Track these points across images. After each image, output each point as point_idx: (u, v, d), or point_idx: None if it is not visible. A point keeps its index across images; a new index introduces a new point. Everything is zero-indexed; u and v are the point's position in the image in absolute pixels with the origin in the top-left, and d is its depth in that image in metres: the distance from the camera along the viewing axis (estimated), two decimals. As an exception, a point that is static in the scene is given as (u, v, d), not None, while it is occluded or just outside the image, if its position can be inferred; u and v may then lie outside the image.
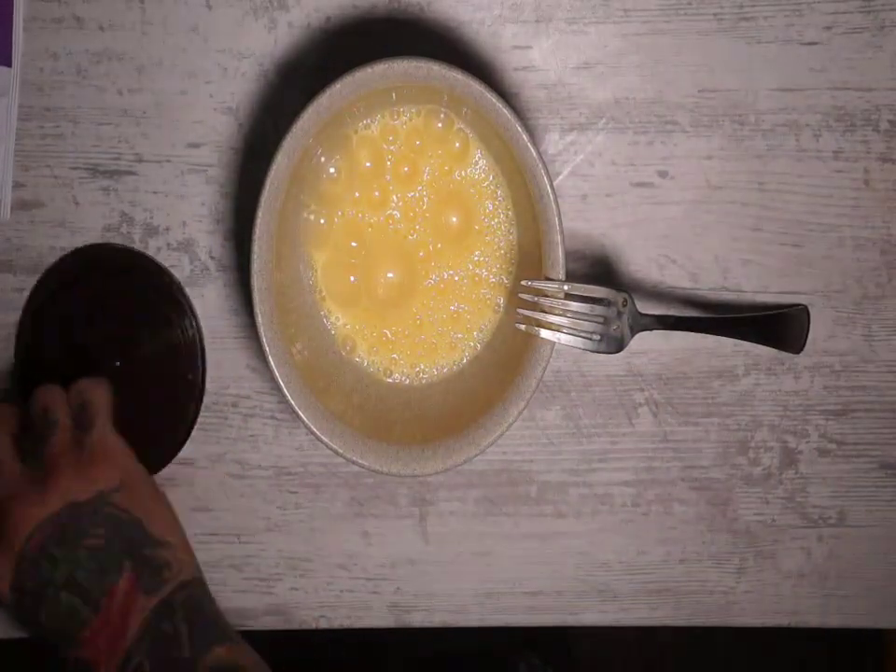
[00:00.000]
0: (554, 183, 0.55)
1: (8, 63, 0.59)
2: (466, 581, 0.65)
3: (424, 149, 0.58)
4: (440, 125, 0.57)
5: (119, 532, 0.54)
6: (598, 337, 0.57)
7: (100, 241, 0.62)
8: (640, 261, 0.62)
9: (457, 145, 0.58)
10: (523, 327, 0.56)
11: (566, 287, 0.55)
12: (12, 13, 0.57)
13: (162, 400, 0.62)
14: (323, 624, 0.65)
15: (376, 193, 0.58)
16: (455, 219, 0.58)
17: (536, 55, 0.61)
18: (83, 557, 0.52)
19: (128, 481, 0.55)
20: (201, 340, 0.62)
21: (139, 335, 0.62)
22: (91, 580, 0.52)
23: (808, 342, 0.60)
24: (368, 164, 0.58)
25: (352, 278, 0.59)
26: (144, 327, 0.62)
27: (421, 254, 0.59)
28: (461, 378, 0.60)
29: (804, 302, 0.62)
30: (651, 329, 0.58)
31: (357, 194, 0.58)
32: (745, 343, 0.61)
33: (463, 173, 0.58)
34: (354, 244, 0.59)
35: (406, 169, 0.58)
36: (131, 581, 0.53)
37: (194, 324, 0.62)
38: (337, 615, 0.65)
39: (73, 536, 0.53)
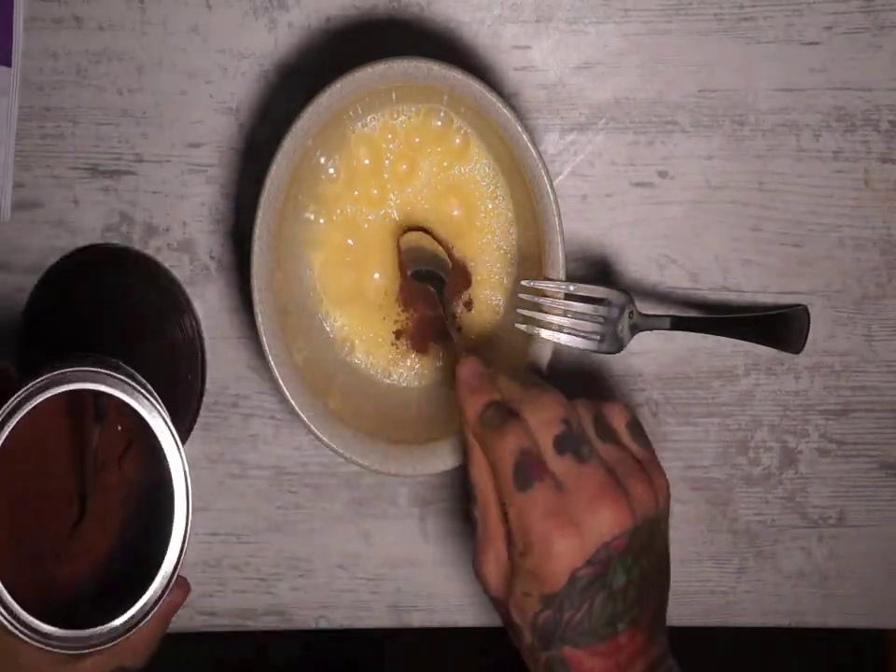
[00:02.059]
0: (554, 183, 0.55)
1: (8, 63, 0.59)
2: (466, 580, 0.64)
3: (423, 147, 0.58)
4: (439, 123, 0.57)
5: (658, 564, 0.51)
6: (598, 337, 0.57)
7: (100, 241, 0.62)
8: (640, 261, 0.62)
9: (457, 142, 0.58)
10: (523, 327, 0.56)
11: (566, 287, 0.55)
12: (12, 13, 0.57)
13: (162, 400, 0.62)
14: (323, 624, 0.65)
15: (375, 191, 0.58)
16: (455, 212, 0.58)
17: (536, 55, 0.61)
18: (638, 577, 0.49)
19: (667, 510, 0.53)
20: (201, 340, 0.62)
21: (139, 335, 0.62)
22: (633, 602, 0.49)
23: (808, 342, 0.60)
24: (366, 162, 0.58)
25: (350, 277, 0.59)
26: (144, 326, 0.62)
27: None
28: (461, 378, 0.60)
29: (804, 302, 0.62)
30: (650, 329, 0.58)
31: (355, 192, 0.58)
32: (745, 342, 0.61)
33: (463, 169, 0.58)
34: (351, 242, 0.59)
35: (405, 167, 0.58)
36: (650, 619, 0.50)
37: (194, 324, 0.62)
38: (337, 615, 0.65)
39: (642, 548, 0.50)
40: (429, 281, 0.57)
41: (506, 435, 0.49)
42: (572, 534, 0.47)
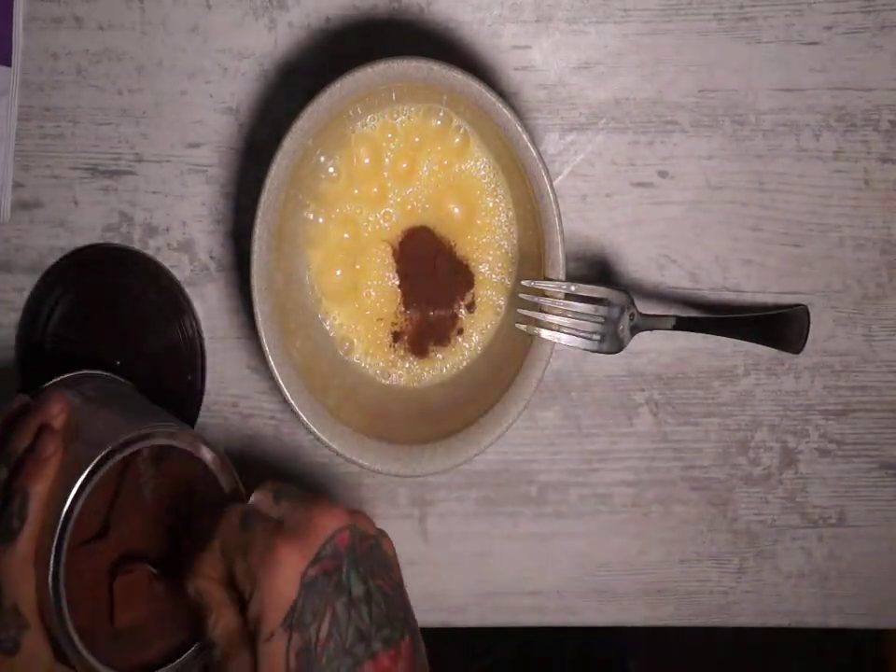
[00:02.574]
0: (554, 183, 0.55)
1: (8, 63, 0.59)
2: (466, 580, 0.65)
3: (422, 146, 0.58)
4: (438, 122, 0.57)
5: (402, 602, 0.49)
6: (598, 337, 0.57)
7: (100, 241, 0.62)
8: (640, 261, 0.62)
9: (457, 140, 0.58)
10: (523, 327, 0.56)
11: (566, 287, 0.55)
12: (12, 13, 0.57)
13: (162, 400, 0.62)
14: (323, 624, 0.65)
15: (375, 190, 0.58)
16: (456, 210, 0.58)
17: (536, 55, 0.61)
18: (377, 593, 0.48)
19: (398, 567, 0.52)
20: (201, 340, 0.62)
21: (139, 335, 0.62)
22: (380, 621, 0.47)
23: (808, 342, 0.60)
24: (366, 161, 0.58)
25: (348, 276, 0.59)
26: (144, 327, 0.62)
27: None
28: (461, 378, 0.60)
29: (804, 302, 0.62)
30: (651, 329, 0.58)
31: (355, 191, 0.58)
32: (745, 342, 0.61)
33: (462, 167, 0.58)
34: (351, 241, 0.59)
35: (404, 165, 0.58)
36: (410, 654, 0.48)
37: (194, 324, 0.62)
38: (337, 615, 0.64)
39: (374, 564, 0.48)
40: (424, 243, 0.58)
41: (226, 514, 0.49)
42: (292, 538, 0.47)
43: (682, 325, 0.58)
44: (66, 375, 0.56)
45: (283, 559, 0.46)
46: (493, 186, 0.58)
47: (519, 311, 0.56)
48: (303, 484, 0.63)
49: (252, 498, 0.51)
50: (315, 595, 0.46)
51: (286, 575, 0.46)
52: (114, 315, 0.62)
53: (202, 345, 0.62)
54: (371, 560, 0.48)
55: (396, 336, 0.59)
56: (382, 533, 0.51)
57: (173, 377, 0.62)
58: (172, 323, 0.62)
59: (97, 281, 0.62)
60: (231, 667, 0.47)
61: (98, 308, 0.62)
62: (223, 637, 0.48)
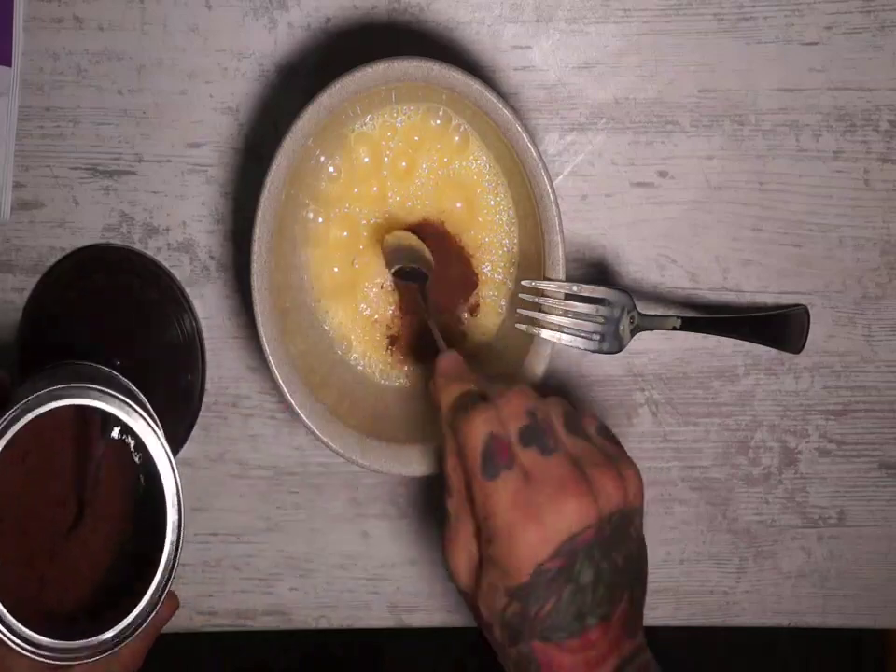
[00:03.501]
0: (554, 183, 0.55)
1: (9, 63, 0.59)
2: (466, 581, 0.64)
3: (422, 145, 0.58)
4: (437, 122, 0.57)
5: (632, 561, 0.50)
6: (598, 337, 0.57)
7: (100, 241, 0.62)
8: (640, 261, 0.62)
9: (456, 139, 0.58)
10: (523, 327, 0.56)
11: (566, 288, 0.55)
12: (12, 13, 0.57)
13: (162, 400, 0.62)
14: (323, 624, 0.65)
15: (374, 189, 0.58)
16: (458, 206, 0.58)
17: (536, 55, 0.61)
18: (607, 573, 0.48)
19: (641, 509, 0.52)
20: (201, 340, 0.62)
21: (139, 335, 0.62)
22: (603, 599, 0.48)
23: (808, 342, 0.60)
24: (366, 160, 0.58)
25: (347, 275, 0.59)
26: (144, 326, 0.62)
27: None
28: (461, 378, 0.60)
29: (804, 302, 0.62)
30: (651, 329, 0.58)
31: (355, 190, 0.58)
32: (745, 342, 0.61)
33: (462, 165, 0.58)
34: (349, 240, 0.59)
35: (404, 164, 0.58)
36: (624, 615, 0.49)
37: (194, 324, 0.62)
38: (337, 615, 0.64)
39: (612, 543, 0.49)
40: (413, 279, 0.57)
41: (474, 419, 0.49)
42: (536, 526, 0.47)
43: (683, 325, 0.58)
44: (48, 365, 0.56)
45: (526, 539, 0.47)
46: (493, 185, 0.58)
47: (519, 311, 0.56)
48: (304, 484, 0.63)
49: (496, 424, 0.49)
50: (544, 583, 0.47)
51: (523, 556, 0.47)
52: (114, 315, 0.62)
53: (202, 345, 0.62)
54: (608, 543, 0.48)
55: (392, 340, 0.59)
56: (629, 474, 0.50)
57: (173, 377, 0.62)
58: (172, 323, 0.62)
59: (97, 281, 0.62)
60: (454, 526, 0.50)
61: (98, 308, 0.62)
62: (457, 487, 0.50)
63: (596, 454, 0.49)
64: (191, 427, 0.62)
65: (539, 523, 0.47)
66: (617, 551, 0.49)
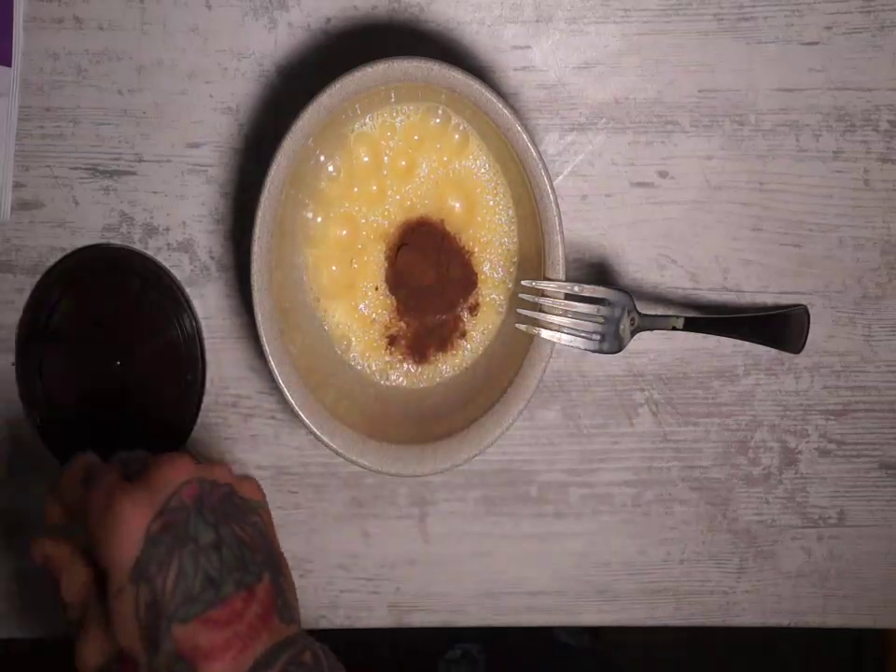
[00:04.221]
0: (554, 183, 0.55)
1: (8, 63, 0.59)
2: (466, 581, 0.65)
3: (422, 144, 0.58)
4: (437, 121, 0.57)
5: (263, 544, 0.49)
6: (598, 337, 0.57)
7: (100, 241, 0.62)
8: (640, 261, 0.62)
9: (456, 138, 0.58)
10: (523, 327, 0.56)
11: (566, 288, 0.55)
12: (12, 13, 0.57)
13: (162, 400, 0.62)
14: (323, 624, 0.65)
15: (374, 188, 0.58)
16: (457, 205, 0.58)
17: (536, 55, 0.61)
18: (230, 538, 0.47)
19: (267, 510, 0.52)
20: (200, 340, 0.62)
21: (139, 335, 0.62)
22: (232, 565, 0.47)
23: (808, 342, 0.60)
24: (366, 160, 0.58)
25: (346, 275, 0.59)
26: (144, 327, 0.62)
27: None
28: (461, 378, 0.60)
29: (804, 302, 0.62)
30: (651, 329, 0.58)
31: (355, 189, 0.58)
32: (745, 342, 0.61)
33: (462, 164, 0.58)
34: (348, 239, 0.59)
35: (404, 163, 0.58)
36: (269, 594, 0.47)
37: (194, 324, 0.62)
38: (337, 615, 0.65)
39: (227, 512, 0.48)
40: (423, 243, 0.58)
41: (67, 470, 0.51)
42: (137, 489, 0.47)
43: (683, 325, 0.58)
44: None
45: (125, 514, 0.46)
46: (493, 184, 0.58)
47: (519, 311, 0.56)
48: (304, 484, 0.63)
49: (96, 461, 0.52)
50: (160, 546, 0.46)
51: (128, 530, 0.46)
52: (114, 315, 0.62)
53: (202, 345, 0.62)
54: (223, 507, 0.48)
55: (392, 340, 0.59)
56: (243, 479, 0.51)
57: (173, 377, 0.62)
58: (172, 323, 0.62)
59: (97, 281, 0.62)
60: (88, 625, 0.47)
61: (98, 308, 0.62)
62: (76, 597, 0.48)
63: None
64: (191, 426, 0.62)
65: (139, 487, 0.47)
66: (237, 523, 0.48)
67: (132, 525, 0.46)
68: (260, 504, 0.51)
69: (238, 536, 0.48)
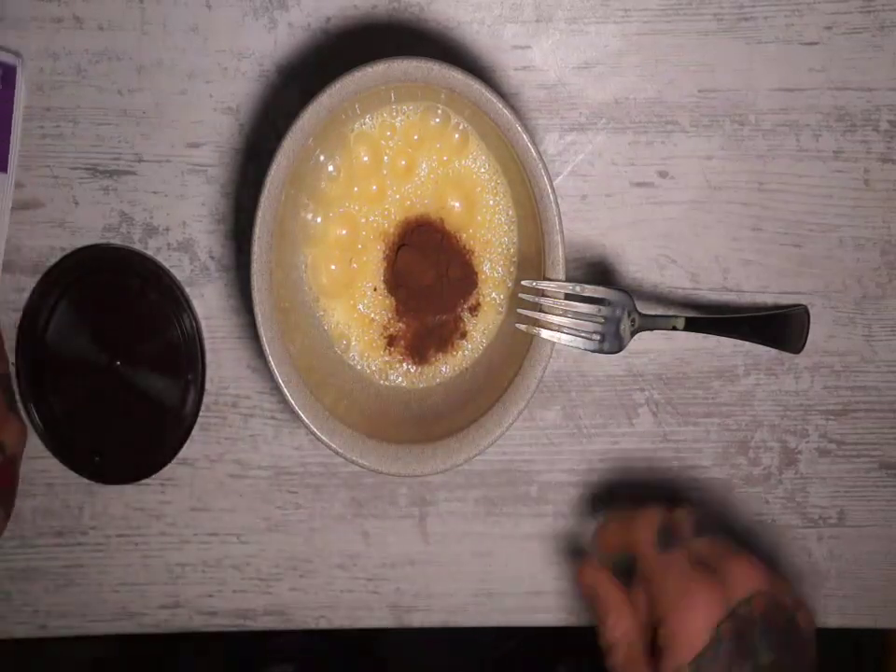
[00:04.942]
0: (554, 183, 0.55)
1: (4, 169, 0.58)
2: (466, 581, 0.65)
3: (422, 143, 0.58)
4: (437, 120, 0.57)
5: (789, 652, 0.50)
6: (598, 337, 0.57)
7: (100, 241, 0.62)
8: (640, 261, 0.62)
9: (456, 137, 0.58)
10: (523, 327, 0.56)
11: (566, 288, 0.55)
12: (11, 118, 0.54)
13: (162, 400, 0.62)
14: (323, 624, 0.65)
15: (374, 188, 0.58)
16: (457, 205, 0.58)
17: (536, 55, 0.61)
18: (784, 667, 0.48)
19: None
20: (200, 339, 0.62)
21: (139, 335, 0.62)
22: None
23: (808, 342, 0.60)
24: (365, 159, 0.58)
25: (345, 274, 0.59)
26: (144, 327, 0.62)
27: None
28: (461, 378, 0.60)
29: (804, 302, 0.62)
30: (651, 329, 0.58)
31: (355, 189, 0.58)
32: (745, 342, 0.61)
33: (462, 164, 0.58)
34: (348, 238, 0.59)
35: (403, 163, 0.58)
36: None
37: (194, 324, 0.62)
38: (337, 615, 0.65)
39: (788, 641, 0.49)
40: (423, 242, 0.58)
41: (641, 516, 0.52)
42: (713, 584, 0.47)
43: (683, 325, 0.58)
44: None
45: (700, 602, 0.47)
46: (493, 184, 0.58)
47: (519, 311, 0.56)
48: (304, 484, 0.63)
49: (673, 514, 0.52)
50: (725, 650, 0.47)
51: (702, 618, 0.47)
52: (114, 315, 0.62)
53: (201, 345, 0.62)
54: (785, 633, 0.48)
55: (391, 340, 0.59)
56: (799, 605, 0.51)
57: (173, 377, 0.62)
58: (172, 323, 0.62)
59: (97, 281, 0.62)
60: None
61: (98, 308, 0.62)
62: (624, 639, 0.50)
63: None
64: (191, 426, 0.62)
65: (715, 582, 0.48)
66: (797, 650, 0.49)
67: (706, 615, 0.47)
68: (812, 637, 0.51)
69: (793, 664, 0.48)
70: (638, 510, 0.53)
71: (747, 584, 0.48)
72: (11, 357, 0.62)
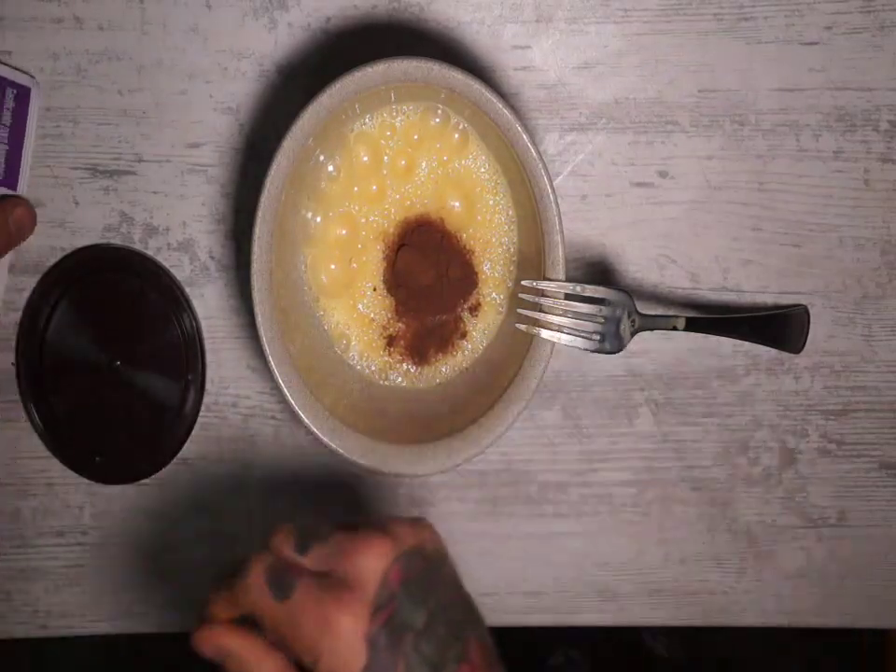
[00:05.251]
0: (554, 183, 0.55)
1: (14, 188, 0.56)
2: (466, 580, 0.64)
3: (421, 143, 0.58)
4: (437, 120, 0.57)
5: (459, 598, 0.47)
6: (598, 337, 0.57)
7: (100, 241, 0.62)
8: (640, 261, 0.62)
9: (456, 136, 0.58)
10: (523, 327, 0.56)
11: (566, 288, 0.55)
12: (24, 137, 0.53)
13: (163, 400, 0.62)
14: (323, 624, 0.65)
15: (374, 188, 0.58)
16: (456, 204, 0.58)
17: (536, 55, 0.61)
18: (437, 610, 0.45)
19: (447, 552, 0.48)
20: (200, 339, 0.62)
21: (139, 335, 0.62)
22: (447, 641, 0.44)
23: (808, 342, 0.60)
24: (365, 159, 0.58)
25: (345, 274, 0.59)
26: (144, 327, 0.62)
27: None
28: (461, 378, 0.60)
29: (804, 302, 0.62)
30: (651, 329, 0.58)
31: (355, 189, 0.58)
32: (745, 342, 0.61)
33: (462, 163, 0.58)
34: (347, 238, 0.59)
35: (403, 163, 0.58)
36: (483, 655, 0.45)
37: (194, 324, 0.62)
38: (337, 615, 0.64)
39: (427, 580, 0.45)
40: (423, 242, 0.57)
41: (243, 576, 0.46)
42: (345, 601, 0.43)
43: (683, 325, 0.58)
44: None
45: (342, 626, 0.43)
46: (493, 184, 0.58)
47: (519, 311, 0.56)
48: (303, 484, 0.63)
49: (271, 547, 0.46)
50: (384, 649, 0.44)
51: (349, 641, 0.43)
52: (114, 315, 0.62)
53: (202, 345, 0.62)
54: (425, 575, 0.46)
55: (390, 340, 0.59)
56: (421, 527, 0.47)
57: (173, 377, 0.62)
58: (172, 323, 0.62)
59: (97, 281, 0.62)
60: None
61: (98, 308, 0.62)
62: None
63: (354, 533, 0.46)
64: (191, 426, 0.62)
65: (345, 597, 0.44)
66: (438, 587, 0.46)
67: (355, 636, 0.43)
68: (445, 550, 0.48)
69: (442, 602, 0.45)
70: (238, 571, 0.46)
71: (377, 569, 0.44)
72: (11, 358, 0.62)
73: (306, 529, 0.47)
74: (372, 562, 0.44)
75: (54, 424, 0.62)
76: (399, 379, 0.60)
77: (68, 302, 0.62)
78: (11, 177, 0.51)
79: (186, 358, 0.62)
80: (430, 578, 0.46)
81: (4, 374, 0.63)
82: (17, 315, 0.62)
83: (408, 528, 0.47)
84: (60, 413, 0.62)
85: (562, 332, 0.56)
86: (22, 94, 0.46)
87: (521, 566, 0.64)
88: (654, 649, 1.01)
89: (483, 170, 0.58)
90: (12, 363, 0.62)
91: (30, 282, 0.62)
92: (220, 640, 0.45)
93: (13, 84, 0.45)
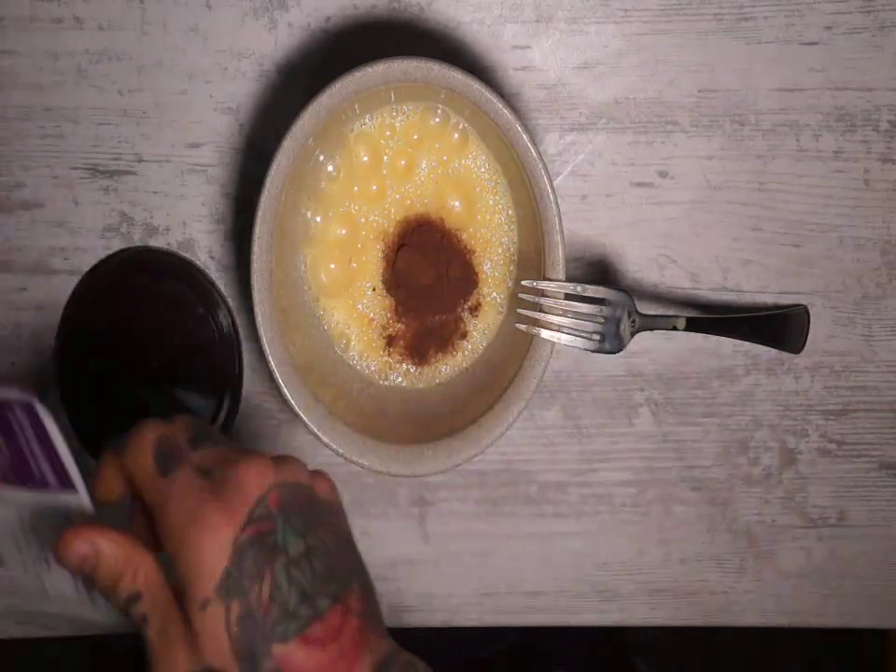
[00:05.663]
0: (554, 183, 0.55)
1: (74, 488, 0.53)
2: (466, 580, 0.65)
3: (421, 143, 0.58)
4: (437, 120, 0.57)
5: (347, 549, 0.46)
6: (598, 337, 0.57)
7: (99, 240, 0.62)
8: (640, 261, 0.62)
9: (455, 136, 0.58)
10: (523, 327, 0.56)
11: (566, 288, 0.55)
12: (52, 443, 0.51)
13: (203, 399, 0.62)
14: (323, 624, 0.65)
15: (373, 188, 0.58)
16: (456, 204, 0.58)
17: (536, 55, 0.61)
18: (319, 547, 0.44)
19: (343, 510, 0.48)
20: (237, 334, 0.62)
21: (177, 334, 0.61)
22: (324, 577, 0.44)
23: (808, 342, 0.60)
24: (365, 159, 0.58)
25: (345, 274, 0.59)
26: (179, 326, 0.61)
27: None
28: (461, 378, 0.60)
29: (804, 302, 0.62)
30: (650, 329, 0.58)
31: (355, 188, 0.58)
32: (745, 342, 0.61)
33: (462, 163, 0.58)
34: (347, 238, 0.59)
35: (403, 163, 0.58)
36: (363, 605, 0.44)
37: (229, 319, 0.62)
38: (337, 615, 0.64)
39: (312, 518, 0.45)
40: (423, 242, 0.57)
41: (133, 442, 0.45)
42: (221, 503, 0.43)
43: (683, 325, 0.58)
44: None
45: (213, 522, 0.42)
46: (493, 183, 0.58)
47: (519, 311, 0.56)
48: (303, 484, 0.63)
49: (167, 428, 0.46)
50: (250, 559, 0.43)
51: (216, 541, 0.42)
52: (153, 315, 0.61)
53: (238, 339, 0.62)
54: (308, 513, 0.45)
55: (390, 340, 0.59)
56: (317, 474, 0.48)
57: (211, 373, 0.61)
58: (206, 321, 0.61)
59: (138, 281, 0.61)
60: (167, 641, 0.43)
61: (138, 308, 0.61)
62: (149, 586, 0.44)
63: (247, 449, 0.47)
64: (233, 420, 0.62)
65: (221, 500, 0.43)
66: (322, 529, 0.45)
67: (220, 535, 0.42)
68: (338, 504, 0.48)
69: (325, 544, 0.45)
70: (130, 435, 0.45)
71: (258, 486, 0.44)
72: (11, 358, 0.62)
73: (203, 429, 0.47)
74: (254, 477, 0.44)
75: (80, 422, 0.61)
76: (399, 379, 0.60)
77: (109, 300, 0.61)
78: (66, 482, 0.50)
79: (223, 354, 0.61)
80: (313, 517, 0.45)
81: (3, 375, 0.62)
82: (17, 315, 0.62)
83: (296, 465, 0.46)
84: (96, 413, 0.61)
85: (562, 332, 0.56)
86: (29, 408, 0.46)
87: (521, 566, 0.64)
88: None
89: (482, 170, 0.58)
90: (12, 363, 0.62)
91: (30, 282, 0.62)
92: (92, 540, 0.44)
93: (16, 403, 0.46)
